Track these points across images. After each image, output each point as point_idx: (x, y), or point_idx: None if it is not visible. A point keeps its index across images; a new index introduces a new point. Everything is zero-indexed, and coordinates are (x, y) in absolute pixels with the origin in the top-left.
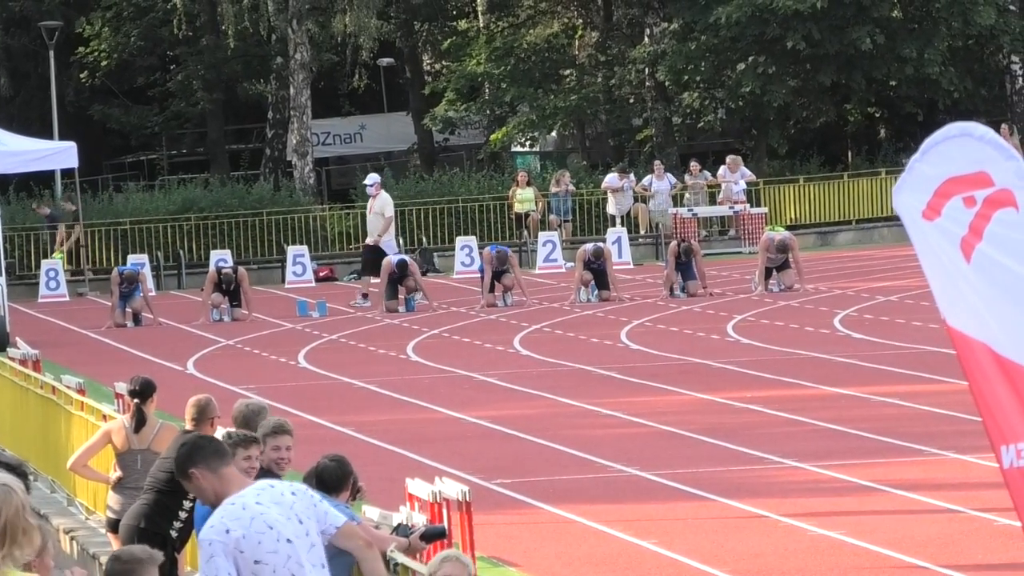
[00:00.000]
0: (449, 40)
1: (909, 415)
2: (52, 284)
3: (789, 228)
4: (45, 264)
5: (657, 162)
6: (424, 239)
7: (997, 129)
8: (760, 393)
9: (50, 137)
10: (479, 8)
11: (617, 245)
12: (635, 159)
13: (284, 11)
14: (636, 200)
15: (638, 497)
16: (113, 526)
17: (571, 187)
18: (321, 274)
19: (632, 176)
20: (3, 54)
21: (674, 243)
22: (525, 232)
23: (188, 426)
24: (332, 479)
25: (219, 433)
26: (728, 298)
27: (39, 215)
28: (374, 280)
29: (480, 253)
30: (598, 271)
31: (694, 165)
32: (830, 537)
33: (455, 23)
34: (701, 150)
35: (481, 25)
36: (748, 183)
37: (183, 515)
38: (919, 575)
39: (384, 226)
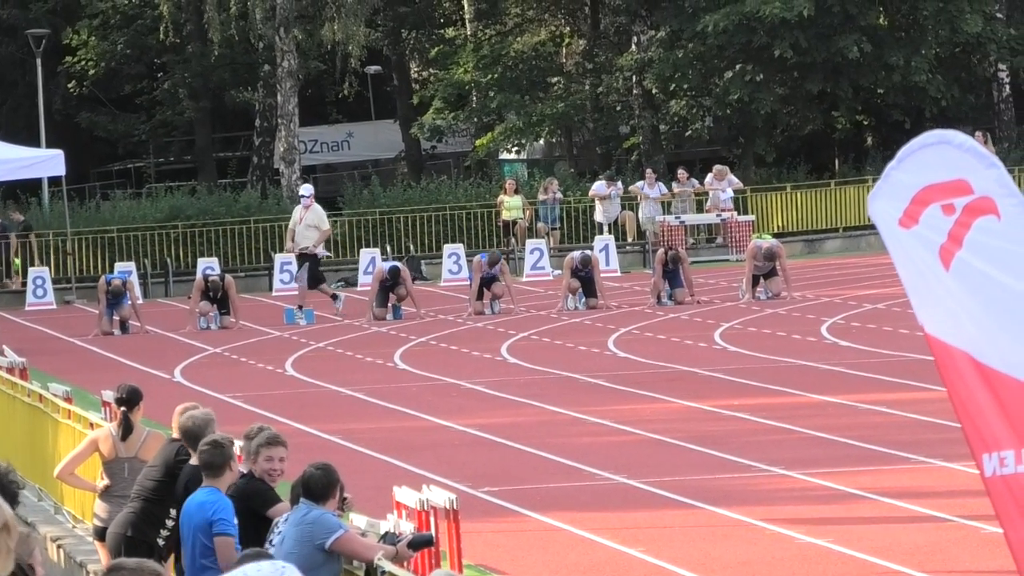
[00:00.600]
0: (437, 48)
1: (896, 423)
2: (39, 292)
3: (776, 236)
4: (32, 272)
5: (649, 170)
6: (411, 247)
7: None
8: (747, 401)
9: (37, 145)
10: (467, 16)
11: (605, 253)
12: (623, 167)
13: (271, 19)
14: (624, 208)
15: (626, 505)
16: (100, 534)
17: (559, 195)
18: None
19: (620, 184)
20: None
21: (661, 251)
22: (513, 240)
23: (175, 435)
24: (318, 487)
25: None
26: (715, 306)
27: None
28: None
29: (468, 262)
30: (586, 279)
31: (681, 173)
32: (817, 545)
33: (443, 31)
34: (688, 158)
35: (469, 33)
36: (735, 191)
37: (170, 523)
38: None
39: (321, 238)
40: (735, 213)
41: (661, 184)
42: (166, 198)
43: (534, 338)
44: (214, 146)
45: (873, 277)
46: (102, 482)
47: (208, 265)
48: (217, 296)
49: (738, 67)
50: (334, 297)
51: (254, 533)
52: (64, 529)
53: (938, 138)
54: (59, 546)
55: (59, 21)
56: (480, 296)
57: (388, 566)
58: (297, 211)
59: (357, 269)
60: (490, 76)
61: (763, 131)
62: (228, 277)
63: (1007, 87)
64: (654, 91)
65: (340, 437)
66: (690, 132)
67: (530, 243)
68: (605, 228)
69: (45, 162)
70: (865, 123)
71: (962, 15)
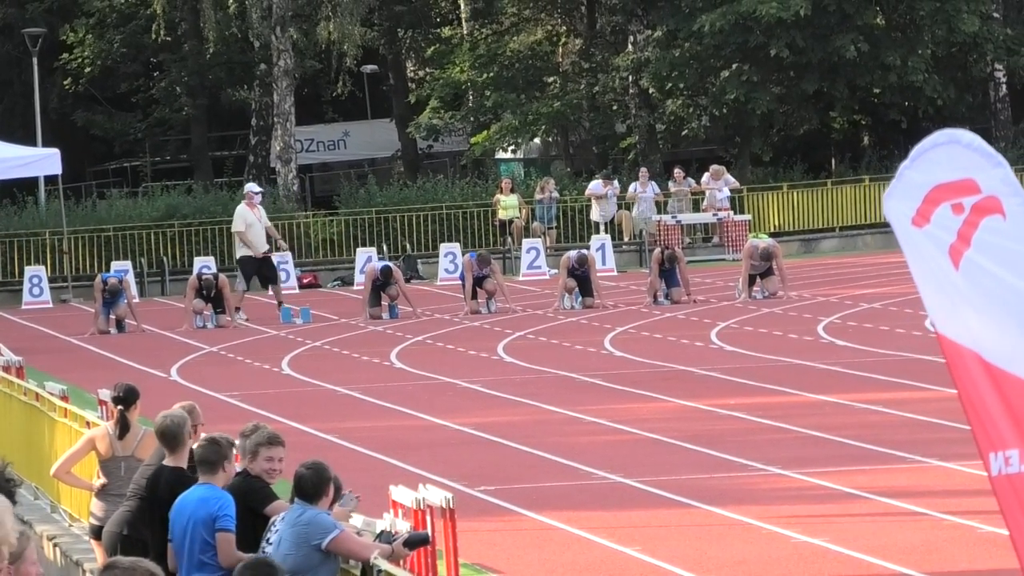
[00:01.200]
0: (433, 47)
1: (892, 422)
2: (35, 291)
3: (773, 235)
4: (28, 271)
5: (643, 170)
6: (408, 246)
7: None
8: (744, 400)
9: (33, 144)
10: (463, 15)
11: (601, 252)
12: (619, 166)
13: (268, 18)
14: (620, 207)
15: (622, 504)
16: (96, 533)
17: (555, 194)
18: (305, 281)
19: (616, 183)
20: None
21: (658, 250)
22: (509, 239)
23: None
24: (309, 487)
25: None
26: (712, 305)
27: None
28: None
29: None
30: (582, 278)
31: (678, 172)
32: (813, 544)
33: (439, 30)
34: (685, 157)
35: (465, 32)
36: (732, 190)
37: None
38: None
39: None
40: (731, 212)
41: (654, 184)
42: (162, 197)
43: (530, 337)
44: (210, 145)
45: (869, 276)
46: (99, 481)
47: (204, 264)
48: (211, 294)
49: (734, 67)
50: (237, 309)
51: (251, 532)
52: (60, 528)
53: (948, 137)
54: (55, 545)
55: (55, 20)
56: (475, 295)
57: (384, 565)
58: (249, 212)
59: (353, 268)
60: (486, 75)
61: (759, 130)
62: (222, 276)
63: (1003, 87)
64: (650, 90)
65: (336, 436)
66: (686, 131)
67: (526, 242)
68: (601, 227)
69: (41, 161)
70: (862, 123)
71: (959, 15)
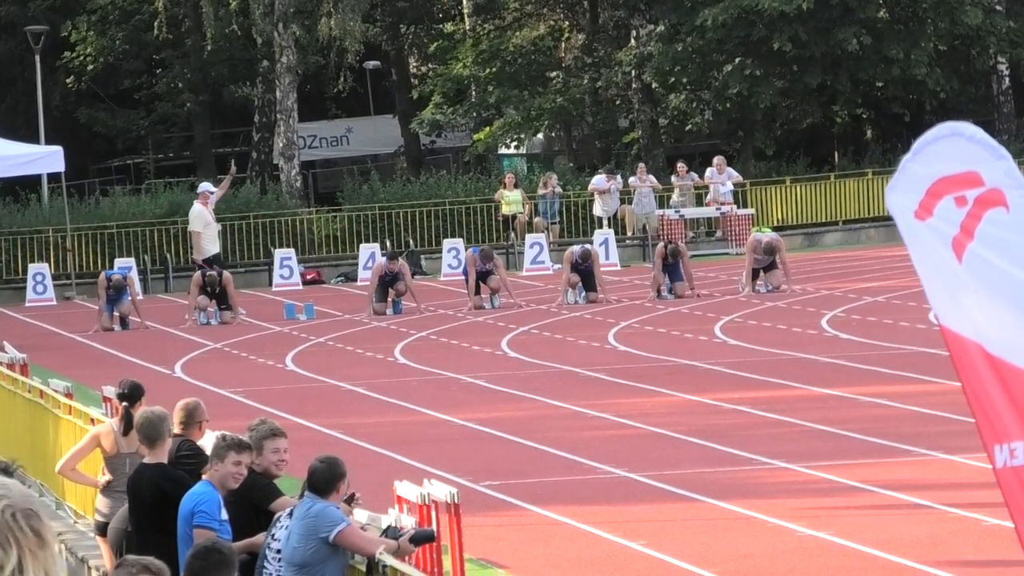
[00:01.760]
0: (435, 43)
1: (897, 415)
2: (39, 288)
3: (776, 229)
4: (32, 268)
5: (640, 164)
6: (411, 241)
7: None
8: (748, 394)
9: (36, 141)
10: (465, 11)
11: (604, 247)
12: (622, 161)
13: (270, 14)
14: (623, 202)
15: (626, 498)
16: (102, 529)
17: (558, 189)
18: (308, 277)
19: (619, 178)
20: None
21: (661, 244)
22: (512, 234)
23: (176, 430)
24: (321, 481)
25: (211, 437)
26: (715, 299)
27: None
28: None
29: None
30: (585, 273)
31: (681, 166)
32: (818, 538)
33: (441, 26)
34: (688, 152)
35: (467, 28)
36: (735, 184)
37: None
38: (907, 575)
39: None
40: (735, 207)
41: (651, 177)
42: (165, 194)
43: (534, 332)
44: (213, 142)
45: (873, 270)
46: (103, 477)
47: None
48: (215, 291)
49: (737, 61)
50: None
51: (256, 528)
52: (66, 525)
53: (951, 130)
54: (61, 542)
55: (57, 17)
56: (478, 290)
57: (390, 560)
58: (206, 212)
59: (357, 264)
60: (489, 71)
61: (762, 124)
62: (225, 273)
63: (1007, 79)
64: (653, 85)
65: (341, 432)
66: (689, 126)
67: (530, 237)
68: (605, 222)
69: (44, 158)
70: (864, 116)
71: (961, 7)
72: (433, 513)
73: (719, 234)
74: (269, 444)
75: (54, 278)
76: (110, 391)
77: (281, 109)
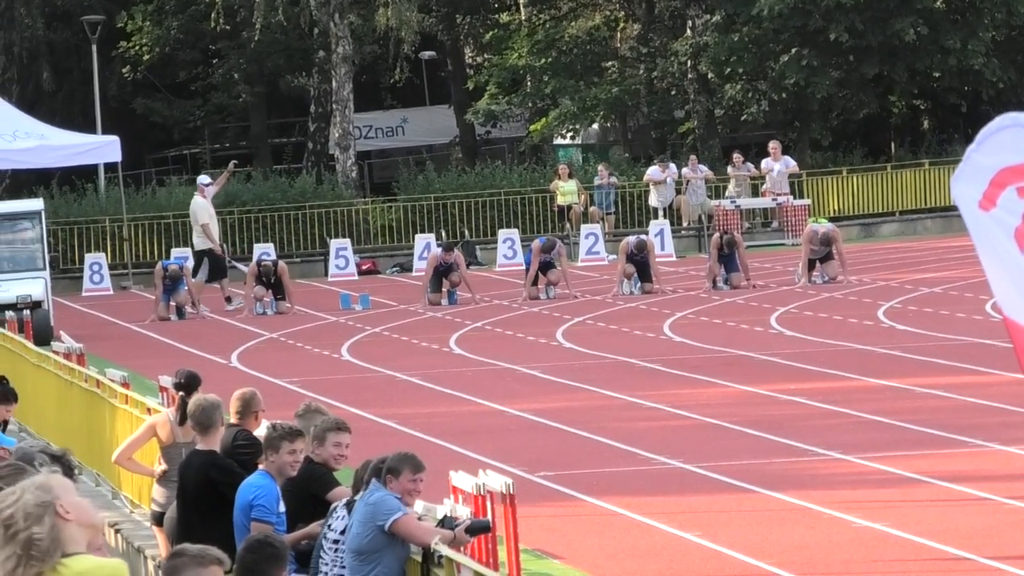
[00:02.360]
0: (491, 33)
1: (953, 406)
2: (96, 278)
3: (832, 220)
4: (89, 258)
5: (692, 156)
6: (466, 232)
7: None
8: (804, 385)
9: (93, 131)
10: (521, 1)
11: (660, 237)
12: (677, 151)
13: (326, 4)
14: (678, 192)
15: (682, 489)
16: (158, 519)
17: (614, 180)
18: (364, 267)
19: (673, 167)
20: (46, 48)
21: (717, 235)
22: (567, 225)
23: (232, 419)
24: (387, 468)
25: (264, 426)
26: (771, 290)
27: None
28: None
29: (524, 247)
30: (641, 263)
31: (737, 157)
32: (875, 529)
33: (497, 16)
34: (744, 142)
35: (523, 18)
36: (791, 174)
37: None
38: (964, 567)
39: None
40: (791, 197)
41: (703, 167)
42: None
43: (589, 323)
44: (269, 132)
45: (930, 261)
46: (160, 467)
47: (264, 251)
48: (271, 281)
49: (793, 51)
50: (228, 299)
51: (312, 517)
52: (122, 514)
53: (1012, 120)
54: (117, 531)
55: (114, 7)
56: (535, 281)
57: (446, 551)
58: (209, 204)
59: (412, 254)
60: (544, 61)
61: (819, 115)
62: (281, 263)
63: None
64: (709, 75)
65: (396, 422)
66: (745, 116)
67: (585, 228)
68: (660, 212)
69: (101, 148)
70: (921, 107)
71: None
72: (488, 504)
73: (775, 224)
74: (332, 437)
75: (111, 268)
76: (167, 381)
77: (337, 99)
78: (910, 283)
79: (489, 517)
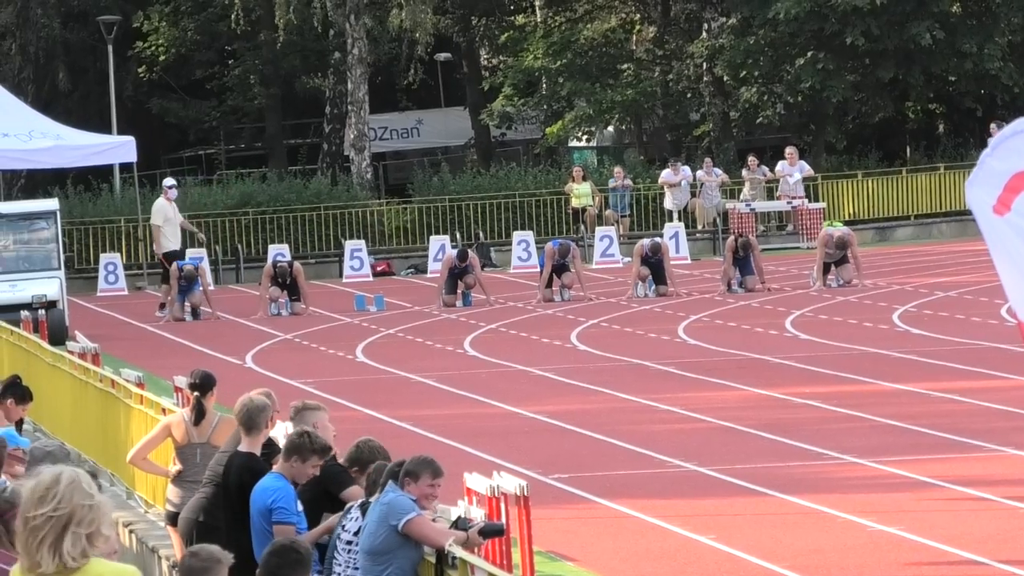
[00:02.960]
0: (506, 35)
1: (969, 411)
2: (111, 278)
3: (847, 223)
4: (104, 258)
5: (707, 159)
6: (481, 234)
7: None
8: (818, 389)
9: (108, 131)
10: (536, 3)
11: (674, 240)
12: (692, 154)
13: (342, 6)
14: (693, 195)
15: (696, 493)
16: (172, 519)
17: (628, 182)
18: (378, 268)
19: (687, 169)
20: (62, 49)
21: (732, 238)
22: (582, 227)
23: None
24: (402, 471)
25: (281, 427)
26: (786, 293)
27: None
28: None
29: (539, 249)
30: (655, 266)
31: (752, 160)
32: (889, 533)
33: (512, 18)
34: (759, 145)
35: (539, 20)
36: (806, 177)
37: None
38: (978, 571)
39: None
40: (806, 200)
41: (718, 171)
42: (237, 184)
43: (604, 325)
44: (284, 133)
45: (945, 265)
46: (174, 467)
47: (278, 252)
48: (286, 282)
49: (809, 54)
50: (162, 307)
51: (329, 514)
52: (136, 514)
53: None
54: (131, 531)
55: (130, 7)
56: (550, 283)
57: (459, 552)
58: (168, 206)
59: (427, 256)
60: (560, 63)
61: (834, 118)
62: (296, 264)
63: None
64: (725, 78)
65: (410, 423)
66: (761, 119)
67: (599, 230)
68: (675, 215)
69: (116, 148)
70: (937, 111)
71: None
72: (502, 505)
73: (790, 228)
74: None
75: (126, 268)
76: (181, 381)
77: (352, 100)
78: (925, 287)
79: (503, 519)
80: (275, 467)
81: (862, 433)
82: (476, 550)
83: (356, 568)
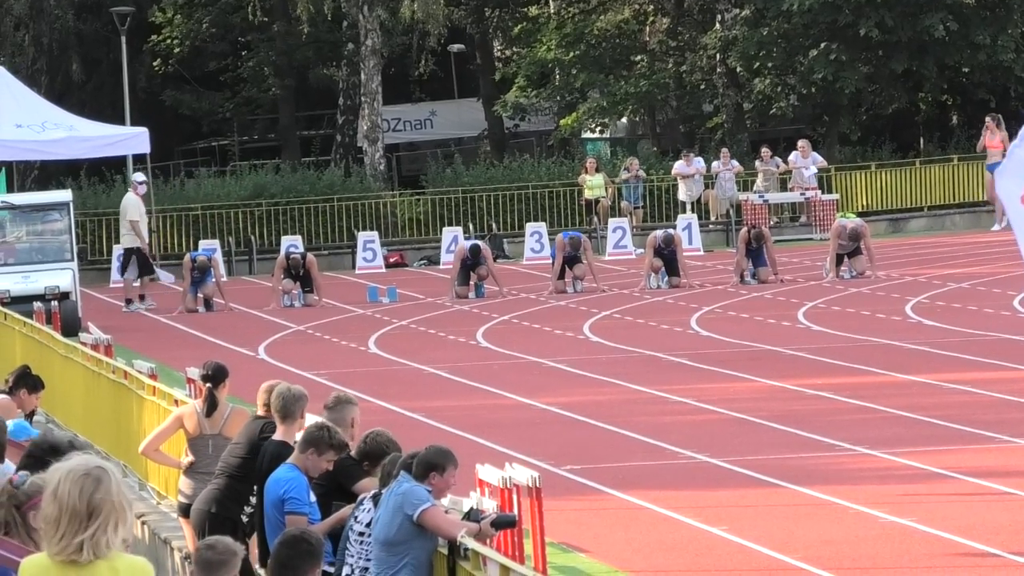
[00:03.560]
0: (520, 26)
1: (981, 402)
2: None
3: (860, 215)
4: (117, 249)
5: (724, 150)
6: (494, 225)
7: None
8: (831, 380)
9: (122, 123)
10: None
11: (687, 231)
12: (706, 145)
13: None
14: (706, 187)
15: (708, 484)
16: (184, 511)
17: (641, 173)
18: (391, 260)
19: (700, 160)
20: (75, 40)
21: (744, 230)
22: (595, 218)
23: (260, 411)
24: (420, 465)
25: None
26: (799, 285)
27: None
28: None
29: (551, 240)
30: (668, 257)
31: (765, 151)
32: (901, 524)
33: (526, 9)
34: (772, 136)
35: (552, 11)
36: (819, 169)
37: (254, 500)
38: (990, 562)
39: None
40: (819, 192)
41: (735, 162)
42: (250, 176)
43: (616, 317)
44: (298, 124)
45: (958, 256)
46: (186, 459)
47: (292, 243)
48: (299, 274)
49: (823, 45)
50: (142, 297)
51: (341, 506)
52: (149, 505)
53: None
54: (144, 523)
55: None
56: (562, 275)
57: (472, 543)
58: (140, 202)
59: (440, 247)
60: (573, 54)
61: (848, 110)
62: (309, 255)
63: None
64: (738, 69)
65: (423, 415)
66: (774, 111)
67: (612, 222)
68: (688, 206)
69: (130, 140)
70: (950, 102)
71: None
72: (515, 497)
73: (803, 219)
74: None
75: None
76: (194, 372)
77: (365, 92)
78: (938, 278)
79: (515, 511)
80: (290, 458)
81: (874, 424)
82: (488, 541)
83: (368, 559)
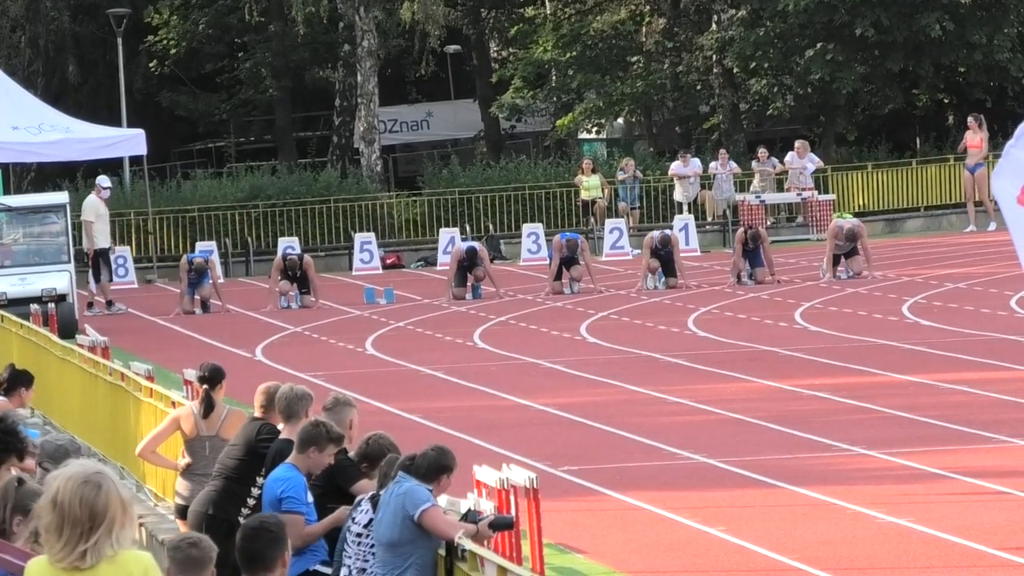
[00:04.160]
0: (516, 27)
1: (978, 402)
2: (120, 271)
3: (857, 215)
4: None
5: (722, 150)
6: (490, 226)
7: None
8: (828, 380)
9: (118, 124)
10: None
11: (684, 232)
12: (702, 146)
13: None
14: (703, 187)
15: (705, 484)
16: (182, 512)
17: (638, 174)
18: (388, 261)
19: (697, 161)
20: (71, 41)
21: (741, 230)
22: (592, 219)
23: (257, 413)
24: (422, 467)
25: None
26: (796, 285)
27: None
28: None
29: (548, 241)
30: (665, 258)
31: (762, 152)
32: (898, 525)
33: (522, 10)
34: (769, 137)
35: (548, 12)
36: (816, 169)
37: (251, 501)
38: (988, 562)
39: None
40: (815, 192)
41: (732, 163)
42: (246, 177)
43: (613, 317)
44: (294, 126)
45: (954, 256)
46: (183, 460)
47: (288, 244)
48: (296, 275)
49: (819, 46)
50: (110, 303)
51: (339, 506)
52: (146, 507)
53: None
54: (141, 524)
55: (140, 0)
56: (559, 276)
57: (469, 544)
58: (100, 204)
59: (436, 248)
60: (569, 55)
61: (844, 110)
62: (307, 256)
63: None
64: (734, 70)
65: (420, 416)
66: (771, 111)
67: (609, 223)
68: (685, 207)
69: (126, 141)
70: (946, 102)
71: None
72: (512, 498)
73: (800, 220)
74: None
75: (136, 261)
76: (191, 374)
77: (362, 93)
78: (935, 279)
79: (513, 512)
80: (289, 459)
81: (871, 425)
82: (486, 543)
83: (366, 560)
